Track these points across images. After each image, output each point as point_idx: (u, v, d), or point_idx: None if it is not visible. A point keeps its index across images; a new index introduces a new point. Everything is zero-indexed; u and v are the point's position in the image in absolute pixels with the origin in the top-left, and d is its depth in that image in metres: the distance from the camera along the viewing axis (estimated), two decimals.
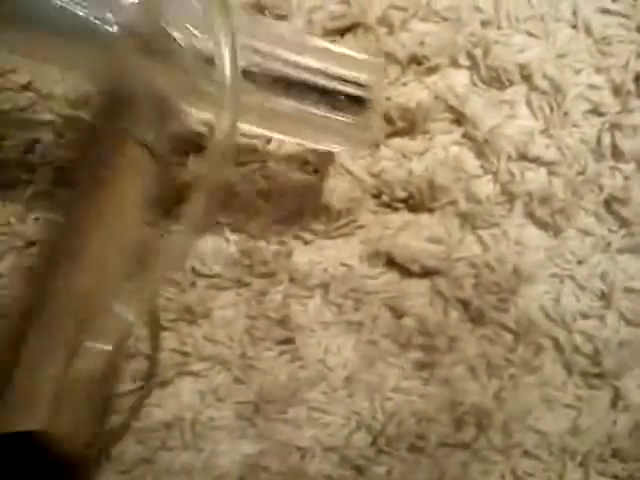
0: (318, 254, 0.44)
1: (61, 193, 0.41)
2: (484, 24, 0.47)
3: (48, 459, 0.25)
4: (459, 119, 0.45)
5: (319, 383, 0.42)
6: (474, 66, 0.46)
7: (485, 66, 0.45)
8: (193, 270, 0.43)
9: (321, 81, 0.37)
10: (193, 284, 0.42)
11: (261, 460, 0.41)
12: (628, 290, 0.43)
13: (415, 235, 0.44)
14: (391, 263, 0.44)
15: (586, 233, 0.44)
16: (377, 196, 0.45)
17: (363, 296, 0.43)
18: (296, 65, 0.36)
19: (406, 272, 0.44)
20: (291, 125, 0.39)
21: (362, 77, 0.38)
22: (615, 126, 0.45)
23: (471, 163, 0.44)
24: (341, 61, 0.38)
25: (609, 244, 0.44)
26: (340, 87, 0.37)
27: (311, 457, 0.41)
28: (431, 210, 0.44)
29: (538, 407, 0.42)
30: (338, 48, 0.39)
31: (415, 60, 0.46)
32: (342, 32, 0.47)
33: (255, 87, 0.35)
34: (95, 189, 0.31)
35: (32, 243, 0.43)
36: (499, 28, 0.47)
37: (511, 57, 0.46)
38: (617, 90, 0.46)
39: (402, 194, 0.44)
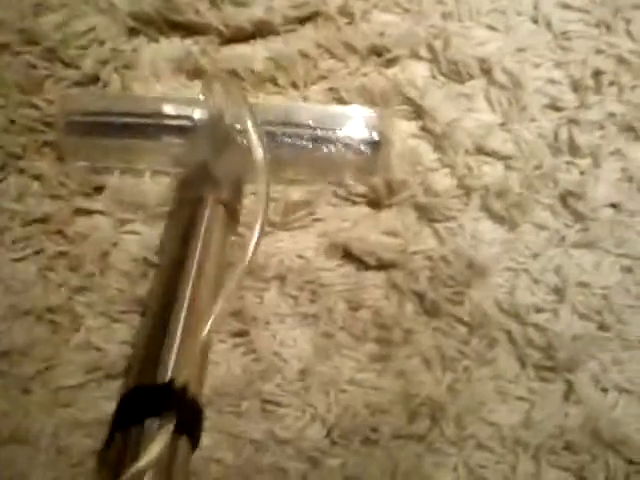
0: (274, 246, 0.44)
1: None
2: (445, 16, 0.47)
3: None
4: (418, 111, 0.45)
5: (274, 376, 0.42)
6: (434, 59, 0.46)
7: (445, 59, 0.45)
8: (145, 260, 0.42)
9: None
10: (144, 275, 0.42)
11: (215, 453, 0.40)
12: (582, 284, 0.44)
13: (372, 228, 0.44)
14: (348, 256, 0.44)
15: (541, 227, 0.44)
16: (336, 189, 0.45)
17: (319, 288, 0.43)
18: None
19: (363, 265, 0.44)
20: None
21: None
22: (573, 121, 0.45)
23: (429, 156, 0.45)
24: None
25: (564, 238, 0.44)
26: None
27: (265, 450, 0.41)
28: (389, 204, 0.44)
29: (492, 399, 0.42)
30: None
31: (375, 51, 0.46)
32: (302, 21, 0.47)
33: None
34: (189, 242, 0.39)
35: None
36: (460, 21, 0.47)
37: (471, 50, 0.46)
38: (576, 85, 0.46)
39: (361, 188, 0.44)
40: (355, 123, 0.43)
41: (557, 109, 0.45)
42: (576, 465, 0.42)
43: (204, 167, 0.41)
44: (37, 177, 0.43)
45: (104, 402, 0.40)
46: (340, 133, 0.42)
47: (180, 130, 0.43)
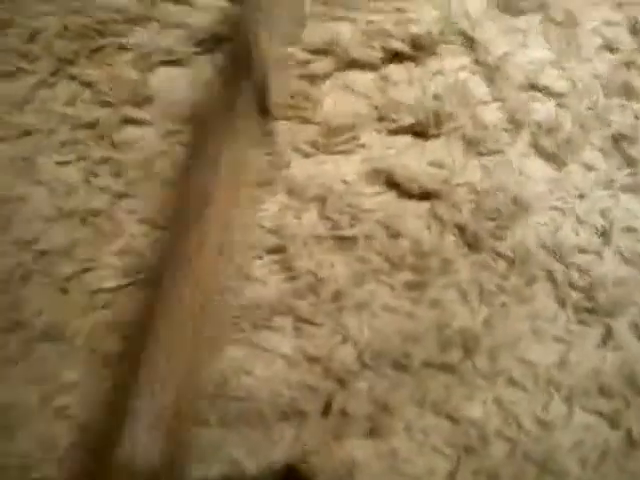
0: (317, 168, 0.43)
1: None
2: None
3: None
4: (471, 44, 0.44)
5: (308, 295, 0.41)
6: None
7: None
8: None
9: None
10: None
11: (245, 364, 0.40)
12: (628, 229, 0.43)
13: (417, 158, 0.44)
14: (390, 183, 0.43)
15: (590, 168, 0.43)
16: (382, 118, 0.44)
17: (359, 213, 0.43)
18: None
19: (405, 194, 0.43)
20: None
21: None
22: (629, 64, 0.44)
23: (479, 89, 0.44)
24: None
25: (612, 181, 0.43)
26: None
27: (295, 366, 0.41)
28: (436, 135, 0.44)
29: (527, 337, 0.42)
30: None
31: None
32: None
33: None
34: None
35: (28, 133, 0.43)
36: None
37: None
38: (634, 29, 0.45)
39: (408, 118, 0.44)
40: None
41: (613, 51, 0.44)
42: (609, 410, 0.41)
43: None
44: (88, 84, 0.44)
45: (142, 306, 0.41)
46: None
47: None
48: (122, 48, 0.44)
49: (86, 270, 0.41)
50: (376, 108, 0.44)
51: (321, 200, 0.42)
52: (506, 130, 0.43)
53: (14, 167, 0.43)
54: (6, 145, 0.43)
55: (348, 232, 0.42)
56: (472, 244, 0.42)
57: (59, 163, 0.43)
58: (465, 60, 0.44)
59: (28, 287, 0.42)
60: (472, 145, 0.43)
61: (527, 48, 0.44)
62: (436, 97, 0.43)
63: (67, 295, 0.41)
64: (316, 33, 0.45)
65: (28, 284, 0.42)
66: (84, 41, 0.43)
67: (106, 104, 0.43)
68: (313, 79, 0.45)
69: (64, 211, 0.42)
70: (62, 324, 0.41)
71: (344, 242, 0.42)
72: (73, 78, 0.43)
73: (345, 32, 0.45)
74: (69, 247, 0.42)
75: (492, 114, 0.43)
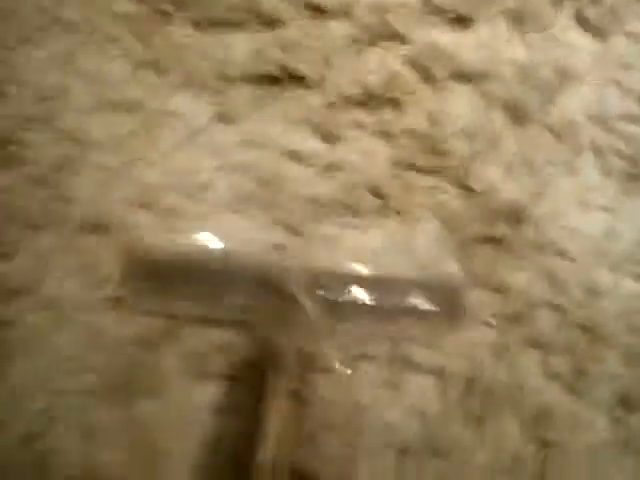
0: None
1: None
2: None
3: None
4: None
5: None
6: None
7: None
8: None
9: None
10: None
11: None
12: None
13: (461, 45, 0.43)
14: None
15: (635, 38, 0.43)
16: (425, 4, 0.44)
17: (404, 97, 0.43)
18: None
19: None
20: None
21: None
22: None
23: None
24: None
25: None
26: None
27: None
28: (476, 17, 0.43)
29: (574, 208, 0.42)
30: None
31: None
32: None
33: None
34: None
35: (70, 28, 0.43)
36: None
37: None
38: None
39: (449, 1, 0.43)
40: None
41: None
42: None
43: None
44: None
45: None
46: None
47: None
48: None
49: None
50: None
51: None
52: (549, 2, 0.43)
53: (57, 61, 0.43)
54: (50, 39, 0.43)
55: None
56: (519, 118, 0.43)
57: (102, 58, 0.43)
58: None
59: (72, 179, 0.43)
60: (515, 20, 0.43)
61: None
62: None
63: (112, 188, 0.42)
64: None
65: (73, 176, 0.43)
66: None
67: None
68: None
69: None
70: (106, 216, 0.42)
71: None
72: None
73: None
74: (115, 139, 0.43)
75: None
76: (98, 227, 0.42)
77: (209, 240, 0.42)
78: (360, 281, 0.41)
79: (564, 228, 0.42)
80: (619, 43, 0.43)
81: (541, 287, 0.42)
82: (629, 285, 0.42)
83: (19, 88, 0.43)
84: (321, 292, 0.40)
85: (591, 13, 0.42)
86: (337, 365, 0.38)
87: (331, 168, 0.43)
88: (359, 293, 0.40)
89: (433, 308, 0.40)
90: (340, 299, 0.40)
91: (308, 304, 0.39)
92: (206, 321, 0.42)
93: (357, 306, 0.40)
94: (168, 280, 0.42)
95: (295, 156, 0.43)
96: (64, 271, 0.42)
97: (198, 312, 0.42)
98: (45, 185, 0.42)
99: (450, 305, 0.41)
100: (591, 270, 0.42)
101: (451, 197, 0.42)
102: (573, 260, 0.42)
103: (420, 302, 0.41)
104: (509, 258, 0.42)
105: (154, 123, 0.43)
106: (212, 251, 0.42)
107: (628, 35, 0.43)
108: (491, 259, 0.42)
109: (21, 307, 0.42)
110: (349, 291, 0.40)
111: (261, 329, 0.40)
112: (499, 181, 0.42)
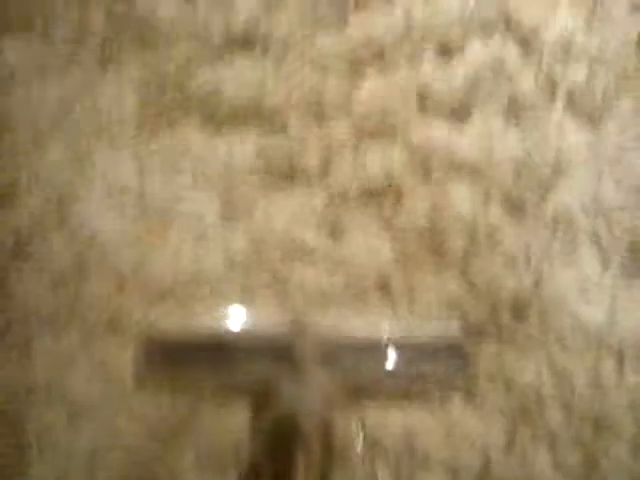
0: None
1: None
2: None
3: None
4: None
5: None
6: None
7: None
8: None
9: None
10: None
11: None
12: None
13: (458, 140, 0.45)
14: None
15: (625, 129, 0.44)
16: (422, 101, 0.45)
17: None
18: None
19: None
20: None
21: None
22: None
23: (514, 58, 0.44)
24: None
25: None
26: None
27: None
28: (473, 112, 0.45)
29: (575, 298, 0.43)
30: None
31: None
32: None
33: None
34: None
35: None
36: None
37: None
38: None
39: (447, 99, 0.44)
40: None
41: None
42: None
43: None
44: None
45: None
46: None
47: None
48: None
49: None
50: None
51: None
52: (542, 95, 0.44)
53: (69, 162, 0.44)
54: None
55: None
56: (516, 211, 0.43)
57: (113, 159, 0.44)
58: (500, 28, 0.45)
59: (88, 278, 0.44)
60: (510, 111, 0.44)
61: (559, 14, 0.45)
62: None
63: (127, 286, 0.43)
64: None
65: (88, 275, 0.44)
66: None
67: None
68: None
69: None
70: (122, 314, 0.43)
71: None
72: None
73: None
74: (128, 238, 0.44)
75: (528, 81, 0.44)
76: (115, 325, 0.43)
77: (222, 321, 0.43)
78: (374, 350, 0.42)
79: (566, 319, 0.42)
80: (611, 133, 0.44)
81: (547, 381, 0.42)
82: (633, 377, 0.42)
83: (33, 189, 0.44)
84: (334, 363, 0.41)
85: (582, 104, 0.44)
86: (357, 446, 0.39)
87: (335, 261, 0.44)
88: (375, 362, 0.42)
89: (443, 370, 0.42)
90: (354, 368, 0.42)
91: (322, 375, 0.40)
92: (223, 396, 0.43)
93: (372, 373, 0.42)
94: (185, 358, 0.43)
95: (300, 250, 0.44)
96: (81, 369, 0.43)
97: (215, 386, 0.43)
98: (61, 285, 0.44)
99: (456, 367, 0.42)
100: (595, 362, 0.42)
101: (454, 289, 0.43)
102: (577, 352, 0.42)
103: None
104: (514, 352, 0.42)
105: (165, 221, 0.44)
106: (226, 330, 0.43)
107: (619, 126, 0.44)
108: (496, 353, 0.42)
109: (38, 404, 0.43)
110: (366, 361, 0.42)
111: (278, 405, 0.41)
112: (500, 273, 0.43)
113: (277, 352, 0.42)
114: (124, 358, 0.43)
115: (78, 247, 0.43)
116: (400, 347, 0.42)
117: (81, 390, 0.43)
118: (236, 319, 0.43)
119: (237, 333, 0.43)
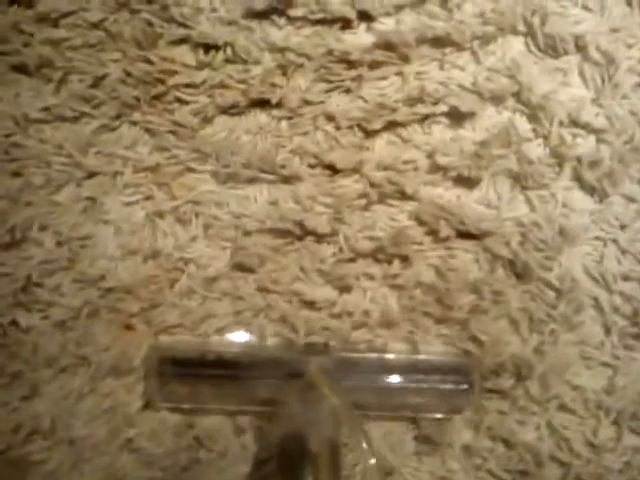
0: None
1: None
2: None
3: None
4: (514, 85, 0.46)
5: None
6: (530, 33, 0.47)
7: (542, 34, 0.46)
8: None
9: None
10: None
11: None
12: None
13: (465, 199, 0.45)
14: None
15: (631, 199, 0.45)
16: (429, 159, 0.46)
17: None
18: None
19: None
20: None
21: None
22: None
23: (524, 127, 0.46)
24: None
25: None
26: None
27: None
28: (482, 177, 0.45)
29: (576, 363, 0.44)
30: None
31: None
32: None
33: None
34: None
35: (92, 175, 0.45)
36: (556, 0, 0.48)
37: (567, 28, 0.47)
38: None
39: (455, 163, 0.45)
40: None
41: None
42: None
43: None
44: (148, 129, 0.46)
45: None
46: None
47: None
48: None
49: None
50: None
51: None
52: (549, 165, 0.45)
53: (79, 207, 0.45)
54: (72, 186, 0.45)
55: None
56: (521, 275, 0.44)
57: (124, 204, 0.45)
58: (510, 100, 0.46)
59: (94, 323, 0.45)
60: (518, 180, 0.45)
61: (568, 87, 0.46)
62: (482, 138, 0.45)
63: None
64: None
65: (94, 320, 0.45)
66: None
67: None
68: None
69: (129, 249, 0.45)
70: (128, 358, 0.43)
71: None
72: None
73: None
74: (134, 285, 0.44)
75: (536, 150, 0.45)
76: (119, 370, 0.44)
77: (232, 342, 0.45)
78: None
79: (567, 383, 0.44)
80: (616, 203, 0.45)
81: (547, 442, 0.43)
82: (631, 440, 0.43)
83: (41, 232, 0.45)
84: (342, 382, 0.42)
85: (589, 175, 0.45)
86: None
87: (342, 315, 0.45)
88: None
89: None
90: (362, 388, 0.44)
91: (330, 394, 0.40)
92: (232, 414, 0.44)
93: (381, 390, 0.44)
94: (193, 375, 0.44)
95: (308, 303, 0.45)
96: (85, 412, 0.44)
97: (224, 405, 0.44)
98: (67, 329, 0.44)
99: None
100: (594, 425, 0.43)
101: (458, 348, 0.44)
102: (576, 415, 0.43)
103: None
104: (516, 412, 0.43)
105: (173, 270, 0.45)
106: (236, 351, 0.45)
107: (624, 196, 0.45)
108: (498, 412, 0.43)
109: (41, 447, 0.44)
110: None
111: (287, 424, 0.41)
112: (504, 335, 0.44)
113: (286, 371, 0.43)
114: (128, 402, 0.44)
115: (84, 292, 0.44)
116: (405, 367, 0.44)
117: (83, 433, 0.44)
118: (245, 340, 0.45)
119: (246, 353, 0.45)
